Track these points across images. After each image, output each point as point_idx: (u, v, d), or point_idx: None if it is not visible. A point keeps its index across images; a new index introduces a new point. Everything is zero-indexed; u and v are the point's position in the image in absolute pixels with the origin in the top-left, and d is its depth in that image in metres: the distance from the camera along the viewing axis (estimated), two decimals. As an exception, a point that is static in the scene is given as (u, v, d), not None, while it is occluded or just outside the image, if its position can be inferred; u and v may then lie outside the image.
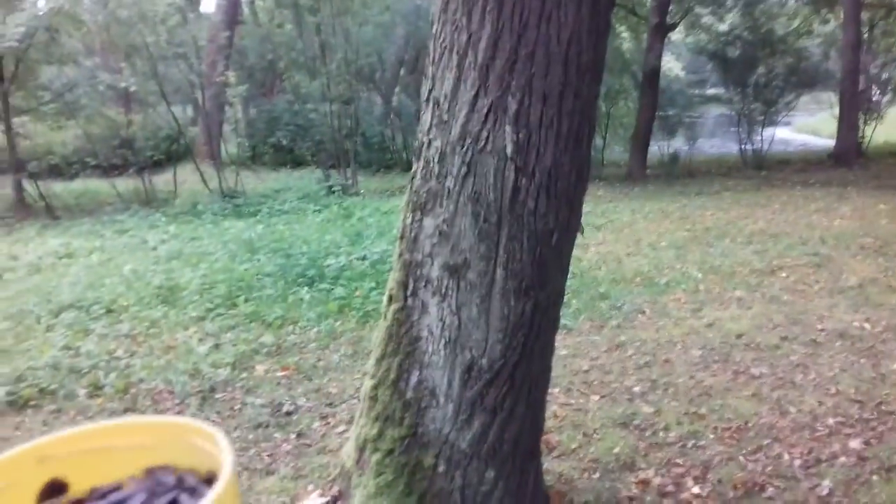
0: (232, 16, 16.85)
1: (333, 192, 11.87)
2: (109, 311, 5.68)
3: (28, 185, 11.29)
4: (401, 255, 2.54)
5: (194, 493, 0.58)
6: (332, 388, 4.25)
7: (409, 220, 2.53)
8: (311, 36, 12.90)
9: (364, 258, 6.86)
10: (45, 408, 4.08)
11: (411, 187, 2.53)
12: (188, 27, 12.19)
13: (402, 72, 17.53)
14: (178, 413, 3.95)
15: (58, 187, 11.99)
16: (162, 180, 12.50)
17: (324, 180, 12.57)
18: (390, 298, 2.58)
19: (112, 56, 12.74)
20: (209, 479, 0.60)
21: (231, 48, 15.89)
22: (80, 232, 9.16)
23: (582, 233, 2.70)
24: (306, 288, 6.07)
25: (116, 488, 0.60)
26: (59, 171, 13.63)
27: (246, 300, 5.79)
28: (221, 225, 9.41)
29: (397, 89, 17.45)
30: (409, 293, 2.50)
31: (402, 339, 2.50)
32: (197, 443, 0.61)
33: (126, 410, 4.02)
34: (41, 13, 11.11)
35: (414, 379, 2.47)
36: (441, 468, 2.44)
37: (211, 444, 0.60)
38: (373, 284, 6.01)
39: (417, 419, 2.46)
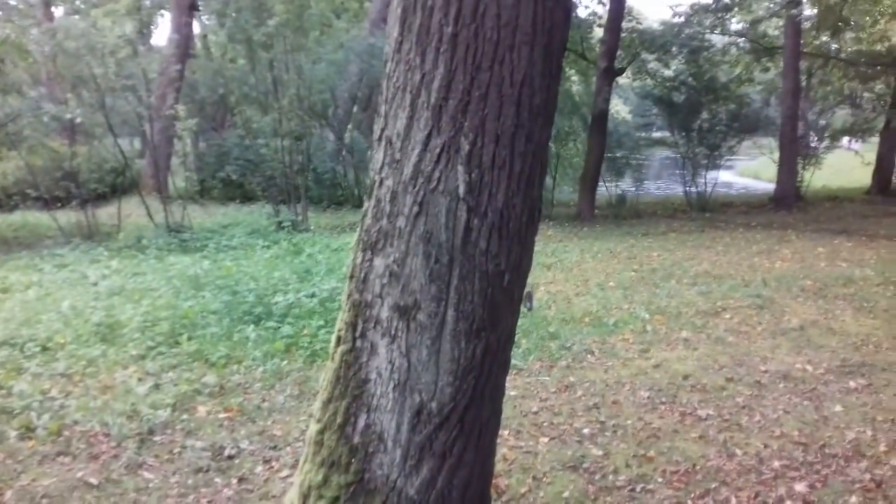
0: (183, 49, 16.71)
1: (283, 227, 11.74)
2: (45, 348, 5.45)
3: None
4: (350, 295, 2.49)
5: None
6: (276, 431, 4.13)
7: (359, 260, 2.48)
8: (264, 71, 12.85)
9: (313, 296, 6.75)
10: (-30, 452, 3.86)
11: (362, 226, 2.49)
12: (138, 59, 12.02)
13: (354, 109, 17.56)
14: (114, 457, 3.79)
15: (-5, 219, 11.62)
16: (106, 213, 12.18)
17: (273, 216, 12.42)
18: (338, 339, 2.52)
19: (58, 87, 12.48)
20: None
21: (182, 81, 15.74)
22: (17, 266, 8.83)
23: (529, 308, 2.69)
24: (252, 326, 5.93)
25: None
26: (-2, 202, 13.25)
27: (189, 338, 5.62)
28: (166, 260, 9.18)
29: (350, 126, 17.45)
30: (357, 334, 2.44)
31: (349, 382, 2.44)
32: None
33: (59, 454, 3.84)
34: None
35: (361, 423, 2.41)
36: (386, 517, 2.37)
37: None
38: (321, 322, 5.91)
39: (364, 465, 2.39)
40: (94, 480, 3.55)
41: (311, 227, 12.13)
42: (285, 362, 5.19)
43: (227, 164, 16.04)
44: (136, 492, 3.46)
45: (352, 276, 2.50)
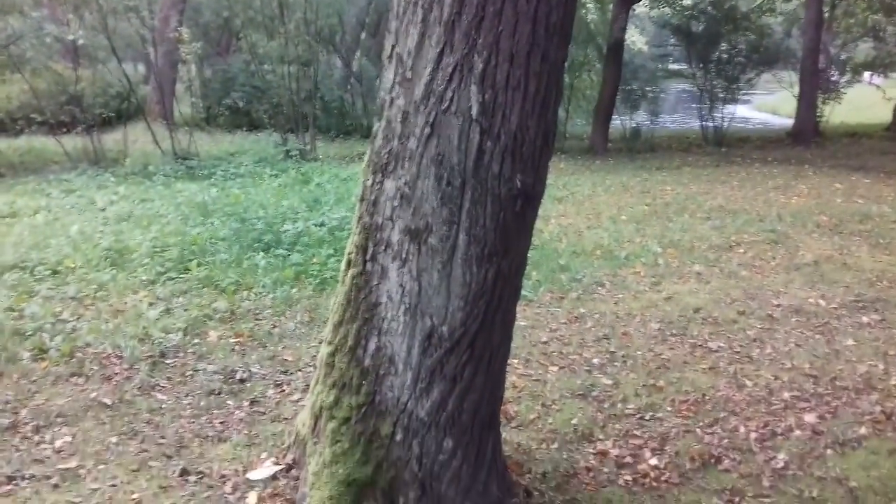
0: (189, -29, 16.27)
1: (291, 156, 11.63)
2: (55, 272, 5.45)
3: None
4: (360, 218, 2.44)
5: None
6: (287, 356, 4.14)
7: (369, 182, 2.43)
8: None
9: (322, 224, 6.72)
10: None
11: (372, 147, 2.42)
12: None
13: (363, 35, 17.20)
14: (127, 378, 3.82)
15: (1, 144, 11.53)
16: (111, 139, 12.06)
17: (281, 144, 12.29)
18: (349, 263, 2.48)
19: (59, 8, 12.18)
20: None
21: (185, 3, 15.35)
22: (24, 190, 8.80)
23: None
24: (262, 253, 5.91)
25: None
26: (3, 126, 13.11)
27: (199, 265, 5.61)
28: (174, 187, 9.13)
29: (358, 53, 17.13)
30: (368, 258, 2.40)
31: (360, 305, 2.41)
32: None
33: (72, 375, 3.87)
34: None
35: (372, 346, 2.39)
36: (398, 437, 2.37)
37: None
38: (331, 251, 5.89)
39: (375, 387, 2.38)
40: (107, 401, 3.58)
41: (320, 157, 12.02)
42: (295, 290, 5.18)
43: (233, 91, 15.80)
44: (150, 412, 3.48)
45: (362, 199, 2.45)
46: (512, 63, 2.20)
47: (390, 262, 2.36)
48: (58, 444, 3.20)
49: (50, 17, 12.18)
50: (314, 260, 5.76)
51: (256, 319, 4.71)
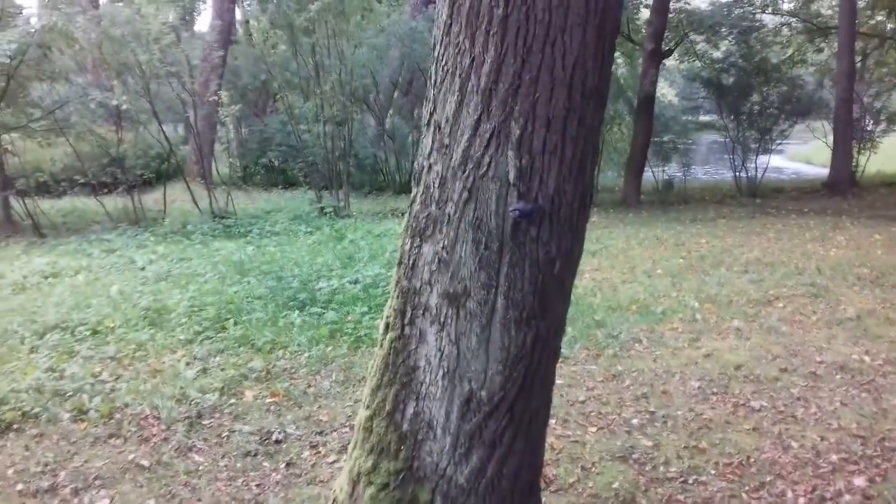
0: (226, 36, 16.83)
1: (325, 213, 11.80)
2: (95, 332, 5.55)
3: (15, 203, 11.16)
4: (398, 281, 2.46)
5: None
6: (322, 416, 4.14)
7: (407, 246, 2.44)
8: (306, 56, 12.87)
9: (356, 282, 6.76)
10: (27, 431, 3.95)
11: (410, 212, 2.45)
12: (181, 46, 12.15)
13: (395, 94, 17.54)
14: (164, 440, 3.83)
15: (45, 205, 11.87)
16: (151, 199, 12.39)
17: (316, 201, 12.49)
18: (387, 326, 2.48)
19: (104, 73, 12.67)
20: None
21: (224, 67, 15.87)
22: (66, 251, 9.03)
23: None
24: (297, 311, 5.96)
25: None
26: (47, 188, 13.48)
27: (235, 323, 5.67)
28: (211, 245, 9.30)
29: (391, 111, 17.45)
30: (406, 321, 2.41)
31: (398, 369, 2.41)
32: None
33: (111, 436, 3.90)
34: (33, 30, 11.05)
35: (410, 410, 2.38)
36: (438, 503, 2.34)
37: None
38: (365, 309, 5.91)
39: (413, 452, 2.36)
40: (145, 462, 3.59)
41: (353, 213, 12.17)
42: (330, 348, 5.20)
43: (270, 150, 16.18)
44: (187, 474, 3.49)
45: (400, 263, 2.47)
46: (549, 128, 2.23)
47: (429, 326, 2.36)
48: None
49: (94, 82, 12.65)
50: (349, 318, 5.79)
51: (292, 378, 4.72)
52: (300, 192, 14.29)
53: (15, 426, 4.01)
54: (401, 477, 2.37)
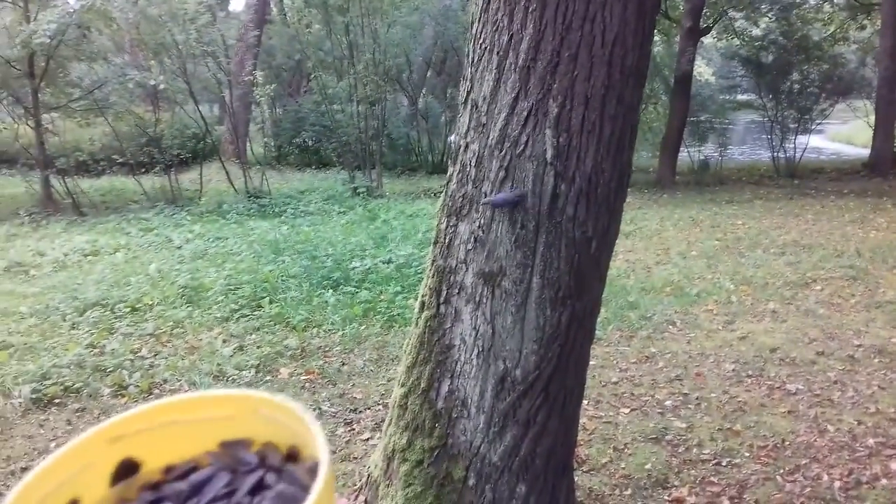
0: (261, 15, 16.88)
1: (358, 193, 11.84)
2: (134, 309, 5.66)
3: (56, 182, 11.37)
4: (434, 260, 2.46)
5: (280, 473, 0.52)
6: (356, 394, 4.18)
7: (443, 225, 2.45)
8: (340, 36, 12.88)
9: (389, 261, 6.80)
10: (69, 406, 4.06)
11: (447, 191, 2.45)
12: (217, 26, 12.21)
13: (429, 73, 17.47)
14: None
15: (84, 184, 12.07)
16: (188, 179, 12.54)
17: (349, 182, 12.53)
18: (422, 305, 2.50)
19: (141, 54, 12.79)
20: (290, 455, 0.54)
21: (259, 47, 15.93)
22: (105, 229, 9.19)
23: None
24: (331, 290, 6.01)
25: (193, 466, 0.54)
26: (86, 167, 13.71)
27: (271, 301, 5.74)
28: (246, 225, 9.40)
29: (424, 91, 17.40)
30: (442, 300, 2.42)
31: (433, 348, 2.42)
32: (274, 416, 0.55)
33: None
34: (73, 10, 11.19)
35: (445, 388, 2.40)
36: (471, 481, 2.36)
37: (289, 419, 0.54)
38: (398, 288, 5.95)
39: (448, 430, 2.38)
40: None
41: (386, 193, 12.19)
42: (363, 327, 5.24)
43: (303, 130, 16.24)
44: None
45: (436, 242, 2.47)
46: (587, 107, 2.21)
47: (464, 304, 2.37)
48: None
49: (132, 62, 12.79)
50: (382, 297, 5.83)
51: (326, 357, 4.77)
52: (333, 172, 14.35)
53: (57, 401, 4.11)
54: (435, 454, 2.39)
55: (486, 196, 2.31)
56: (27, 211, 10.46)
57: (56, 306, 5.71)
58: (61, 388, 4.21)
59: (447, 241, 2.42)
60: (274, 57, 17.24)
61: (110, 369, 4.48)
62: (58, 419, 3.91)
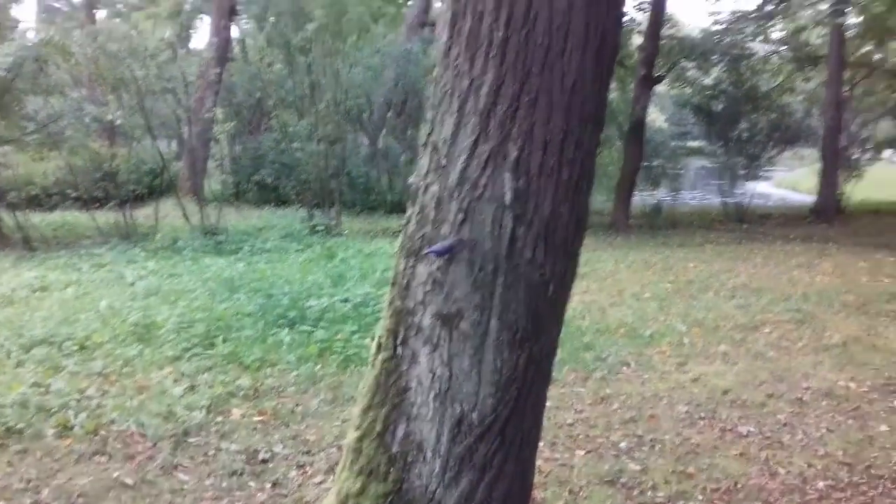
0: (222, 53, 16.88)
1: (317, 231, 11.80)
2: (83, 347, 5.51)
3: (5, 216, 11.10)
4: (392, 301, 2.46)
5: None
6: (310, 436, 4.11)
7: (402, 266, 2.45)
8: (302, 75, 12.98)
9: (346, 300, 6.75)
10: (10, 448, 3.90)
11: (405, 232, 2.46)
12: (178, 63, 12.18)
13: (389, 114, 17.61)
14: (150, 458, 3.80)
15: (36, 218, 11.82)
16: (143, 214, 12.34)
17: (307, 220, 12.49)
18: (379, 346, 2.48)
19: (99, 88, 12.68)
20: None
21: (220, 85, 15.90)
22: (56, 265, 8.97)
23: None
24: (287, 329, 5.94)
25: None
26: (38, 202, 13.46)
27: (224, 340, 5.64)
28: (202, 262, 9.26)
29: (384, 131, 17.51)
30: (399, 342, 2.41)
31: (389, 390, 2.40)
32: None
33: (95, 453, 3.86)
34: (30, 43, 11.07)
35: (401, 432, 2.37)
36: (426, 529, 2.32)
37: None
38: (355, 328, 5.90)
39: (403, 474, 2.35)
40: (129, 481, 3.56)
41: (345, 232, 12.16)
42: (319, 367, 5.18)
43: (263, 168, 16.18)
44: (171, 493, 3.46)
45: (394, 283, 2.47)
46: (546, 151, 2.25)
47: (421, 346, 2.36)
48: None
49: (89, 97, 12.66)
50: (338, 336, 5.77)
51: (280, 397, 4.69)
52: (292, 209, 14.28)
53: (-2, 442, 3.96)
54: (389, 500, 2.35)
55: (444, 238, 2.32)
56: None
57: (0, 343, 5.53)
58: (3, 428, 4.05)
59: (405, 282, 2.42)
60: (235, 95, 17.22)
61: (55, 409, 4.33)
62: (10, 457, 3.76)
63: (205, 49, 18.08)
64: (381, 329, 2.50)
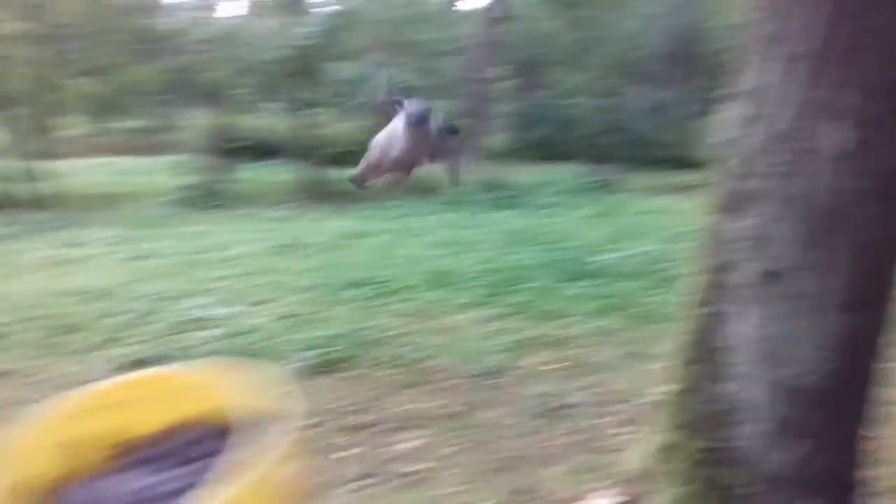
0: (500, 11, 17.27)
1: (597, 187, 11.78)
2: (391, 290, 6.09)
3: (315, 172, 12.51)
4: (706, 257, 2.42)
5: (225, 434, 0.57)
6: (609, 387, 4.18)
7: (716, 221, 2.39)
8: (578, 30, 12.86)
9: (633, 256, 6.73)
10: (336, 375, 4.37)
11: (720, 186, 2.39)
12: (457, 24, 12.74)
13: (670, 65, 16.87)
14: (457, 393, 4.13)
15: (336, 175, 13.12)
16: (432, 170, 13.21)
17: (587, 175, 12.50)
18: (697, 302, 2.46)
19: (389, 53, 13.69)
20: (229, 420, 0.59)
21: (497, 44, 16.33)
22: (363, 216, 10.02)
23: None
24: (576, 283, 6.07)
25: (145, 442, 0.61)
26: (336, 160, 15.01)
27: (517, 290, 5.92)
28: (487, 216, 9.75)
29: (665, 83, 16.84)
30: (716, 298, 2.37)
31: (709, 347, 2.38)
32: (212, 385, 0.61)
33: (409, 384, 4.25)
34: (328, 14, 12.27)
35: (725, 390, 2.33)
36: (749, 489, 2.28)
37: (225, 386, 0.59)
38: (646, 284, 5.87)
39: (727, 433, 2.32)
40: (440, 411, 3.91)
41: (627, 188, 12.00)
42: (612, 321, 5.23)
43: (541, 125, 16.41)
44: (476, 428, 3.73)
45: (707, 239, 2.42)
46: (887, 97, 2.06)
47: (742, 304, 2.29)
48: (400, 447, 3.56)
49: (379, 61, 13.75)
50: (629, 292, 5.78)
51: (577, 348, 4.81)
52: (571, 166, 14.39)
53: (323, 370, 4.50)
54: (711, 457, 2.34)
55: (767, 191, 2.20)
56: (291, 197, 11.65)
57: (323, 283, 6.31)
58: (331, 357, 4.59)
59: (722, 237, 2.36)
60: (512, 52, 17.58)
61: (373, 344, 4.86)
62: (323, 387, 4.26)
63: (482, 9, 18.64)
64: (698, 284, 2.48)
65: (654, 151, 15.78)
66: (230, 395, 0.56)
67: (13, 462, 0.51)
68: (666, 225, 8.25)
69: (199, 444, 0.55)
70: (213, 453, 0.54)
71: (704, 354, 2.39)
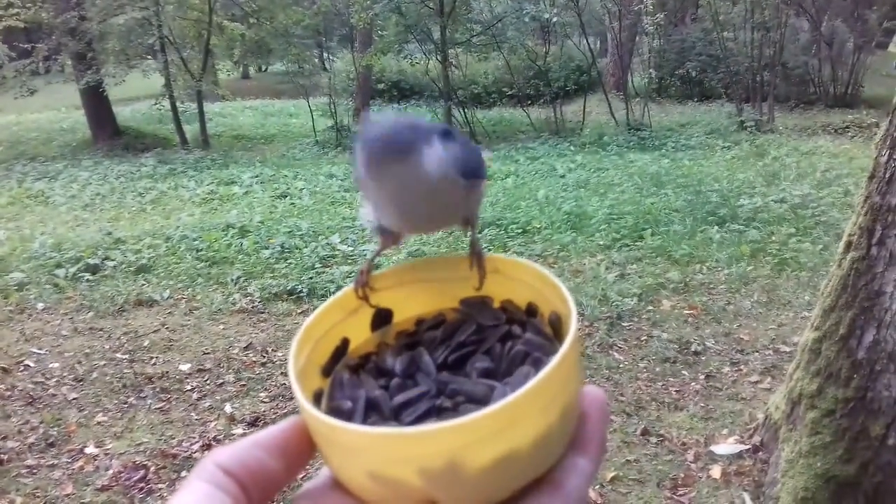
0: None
1: (745, 127, 11.08)
2: (525, 231, 6.08)
3: (456, 112, 12.52)
4: (868, 197, 2.23)
5: (524, 325, 0.54)
6: (742, 335, 4.02)
7: (883, 159, 2.20)
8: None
9: (783, 201, 6.32)
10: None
11: (891, 121, 2.18)
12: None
13: (837, -6, 15.44)
14: (588, 335, 4.10)
15: (478, 115, 13.10)
16: (570, 111, 12.90)
17: (735, 115, 11.79)
18: (848, 245, 2.29)
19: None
20: (529, 311, 0.55)
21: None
22: (497, 157, 9.93)
23: None
24: (716, 227, 5.80)
25: (441, 319, 0.59)
26: (479, 99, 14.89)
27: (652, 234, 5.74)
28: (627, 157, 9.42)
29: (828, 14, 15.45)
30: (874, 241, 2.19)
31: (859, 292, 2.22)
32: (511, 274, 0.57)
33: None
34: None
35: (869, 338, 2.19)
36: (891, 440, 2.14)
37: (527, 276, 0.56)
38: (792, 230, 5.52)
39: (868, 382, 2.18)
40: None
41: (778, 128, 11.23)
42: (751, 267, 4.98)
43: (688, 61, 15.55)
44: (609, 369, 3.70)
45: (872, 177, 2.23)
46: None
47: (901, 248, 2.11)
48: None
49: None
50: (773, 238, 5.47)
51: (710, 293, 4.65)
52: (717, 104, 13.62)
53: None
54: (850, 405, 2.21)
55: None
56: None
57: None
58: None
59: (888, 176, 2.16)
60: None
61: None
62: None
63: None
64: (852, 227, 2.30)
65: (811, 89, 14.62)
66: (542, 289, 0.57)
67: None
68: (820, 167, 7.68)
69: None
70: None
71: (852, 301, 2.22)
